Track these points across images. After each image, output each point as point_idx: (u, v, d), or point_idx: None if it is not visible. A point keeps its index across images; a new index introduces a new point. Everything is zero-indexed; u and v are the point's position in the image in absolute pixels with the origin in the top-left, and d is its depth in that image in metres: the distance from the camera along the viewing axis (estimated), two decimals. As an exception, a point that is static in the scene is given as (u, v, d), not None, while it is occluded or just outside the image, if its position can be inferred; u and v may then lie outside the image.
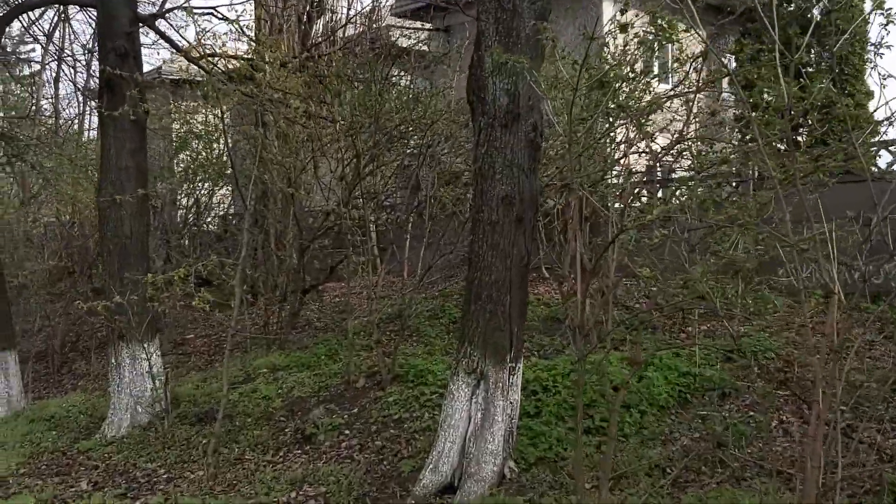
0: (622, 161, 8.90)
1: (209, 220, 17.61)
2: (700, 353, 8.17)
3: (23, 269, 14.53)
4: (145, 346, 8.99)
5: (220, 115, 15.06)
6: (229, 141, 13.29)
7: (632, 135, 8.58)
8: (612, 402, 5.07)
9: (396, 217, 11.91)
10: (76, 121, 21.72)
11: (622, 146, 8.31)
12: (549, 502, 5.47)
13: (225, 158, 15.79)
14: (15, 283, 14.44)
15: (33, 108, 20.79)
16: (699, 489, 5.83)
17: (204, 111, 16.16)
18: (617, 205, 7.20)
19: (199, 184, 16.47)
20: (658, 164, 8.85)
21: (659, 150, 7.24)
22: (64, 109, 21.77)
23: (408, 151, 10.51)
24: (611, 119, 7.20)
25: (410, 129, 9.37)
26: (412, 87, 10.56)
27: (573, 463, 5.45)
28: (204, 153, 15.85)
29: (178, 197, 16.82)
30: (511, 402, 5.89)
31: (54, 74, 21.30)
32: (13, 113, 19.65)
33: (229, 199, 17.95)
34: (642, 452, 6.36)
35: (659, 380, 7.45)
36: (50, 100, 22.30)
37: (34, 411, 11.07)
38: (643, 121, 6.64)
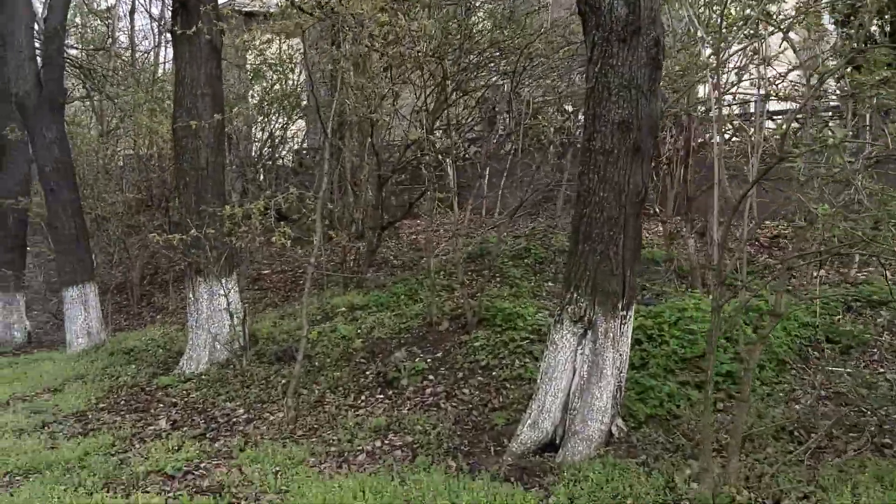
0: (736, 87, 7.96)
1: (283, 154, 17.25)
2: (820, 304, 7.35)
3: (102, 202, 14.47)
4: (223, 281, 8.67)
5: (294, 47, 14.54)
6: (305, 70, 12.72)
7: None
8: (747, 360, 4.38)
9: (480, 150, 11.22)
10: (152, 53, 21.46)
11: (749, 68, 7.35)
12: (665, 467, 4.87)
13: (300, 90, 15.30)
14: (94, 215, 14.46)
15: (109, 41, 20.64)
16: (835, 457, 5.13)
17: (278, 41, 15.62)
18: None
19: (273, 117, 16.06)
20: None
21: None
22: (139, 42, 21.50)
23: (494, 79, 9.74)
24: (753, 30, 6.28)
25: (500, 52, 8.58)
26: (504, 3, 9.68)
27: (700, 426, 4.82)
28: (278, 85, 15.39)
29: (253, 130, 16.49)
30: (621, 355, 5.26)
31: (130, 6, 21.06)
32: (91, 46, 19.55)
33: (304, 132, 17.53)
34: (766, 412, 5.67)
35: (778, 331, 6.68)
36: (126, 32, 22.12)
37: (114, 344, 11.03)
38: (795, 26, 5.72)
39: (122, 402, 7.94)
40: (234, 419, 6.95)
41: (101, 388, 8.56)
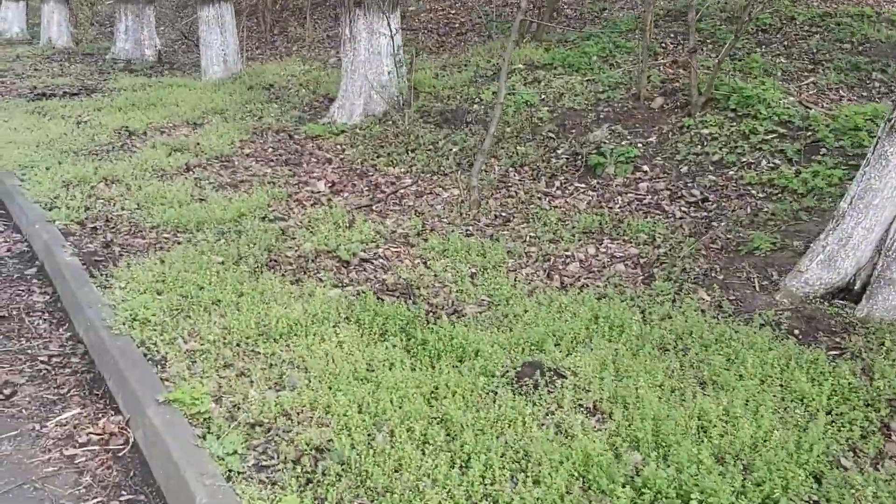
0: None
1: None
2: None
3: None
4: (386, 17, 7.17)
5: None
6: None
7: None
8: None
9: None
10: None
11: None
12: None
13: None
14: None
15: None
16: None
17: None
18: None
19: None
20: None
21: None
22: None
23: None
24: None
25: None
26: None
27: None
28: None
29: None
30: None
31: None
32: None
33: None
34: None
35: None
36: None
37: (250, 76, 9.95)
38: None
39: (270, 150, 6.95)
40: (402, 189, 5.84)
41: (244, 128, 7.57)
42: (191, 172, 6.17)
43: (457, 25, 10.83)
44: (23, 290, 4.23)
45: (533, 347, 3.42)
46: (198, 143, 7.01)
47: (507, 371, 3.20)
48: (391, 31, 7.15)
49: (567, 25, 9.27)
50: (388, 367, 3.18)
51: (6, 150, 6.61)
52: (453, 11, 11.64)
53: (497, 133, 6.54)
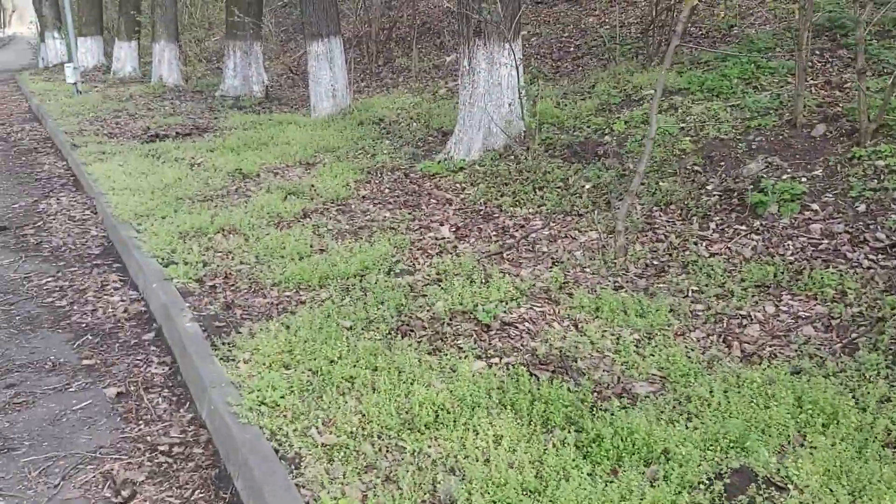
0: None
1: None
2: None
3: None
4: (507, 46, 6.70)
5: None
6: None
7: None
8: None
9: None
10: None
11: None
12: None
13: None
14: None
15: None
16: None
17: None
18: None
19: None
20: None
21: None
22: None
23: None
24: None
25: None
26: None
27: None
28: None
29: None
30: None
31: None
32: None
33: None
34: None
35: None
36: None
37: (360, 111, 9.69)
38: None
39: (386, 191, 6.57)
40: (532, 233, 5.31)
41: (358, 167, 7.25)
42: (308, 219, 5.85)
43: (571, 49, 10.28)
44: (140, 360, 3.92)
45: (734, 446, 2.80)
46: (312, 186, 6.71)
47: (711, 482, 2.60)
48: (514, 62, 6.67)
49: (696, 45, 8.56)
50: (562, 475, 2.63)
51: (122, 197, 6.49)
52: (566, 35, 11.10)
53: (634, 166, 5.93)
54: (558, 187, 5.99)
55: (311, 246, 5.17)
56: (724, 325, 3.92)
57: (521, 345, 3.72)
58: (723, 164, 5.75)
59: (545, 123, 7.12)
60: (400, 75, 12.56)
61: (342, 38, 9.80)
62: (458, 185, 6.51)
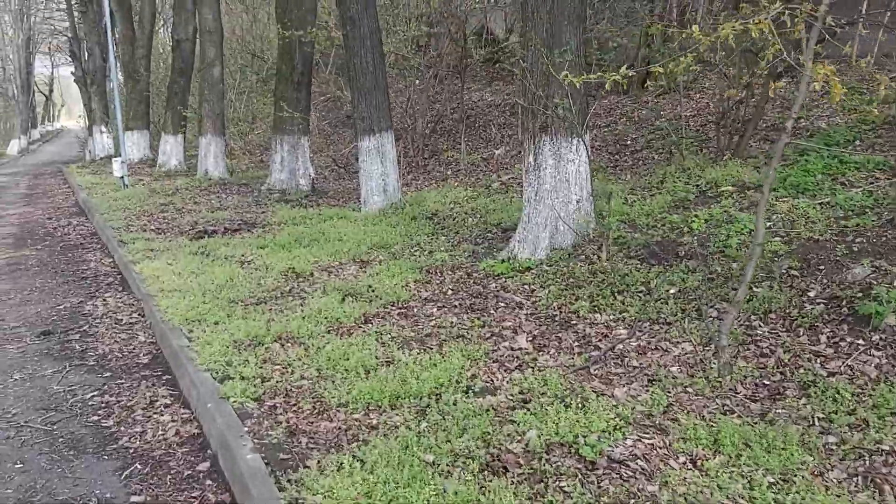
0: None
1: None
2: None
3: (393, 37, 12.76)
4: (576, 141, 6.40)
5: None
6: None
7: None
8: None
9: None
10: None
11: None
12: None
13: None
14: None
15: None
16: None
17: None
18: None
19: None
20: None
21: None
22: None
23: None
24: None
25: None
26: None
27: None
28: None
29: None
30: None
31: None
32: None
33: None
34: None
35: None
36: None
37: (412, 206, 9.43)
38: None
39: (450, 292, 6.16)
40: (619, 344, 4.83)
41: (416, 266, 6.88)
42: (369, 324, 5.43)
43: (628, 142, 10.01)
44: (195, 499, 3.45)
45: None
46: (370, 287, 6.33)
47: None
48: (585, 157, 6.34)
49: (764, 138, 8.21)
50: None
51: (172, 299, 6.16)
52: (619, 127, 10.86)
53: (723, 271, 5.47)
54: (639, 292, 5.53)
55: (376, 357, 4.73)
56: (866, 463, 3.36)
57: (638, 489, 3.18)
58: (822, 268, 5.26)
59: (616, 220, 6.73)
60: (448, 168, 12.39)
61: (392, 132, 9.64)
62: (526, 286, 6.09)
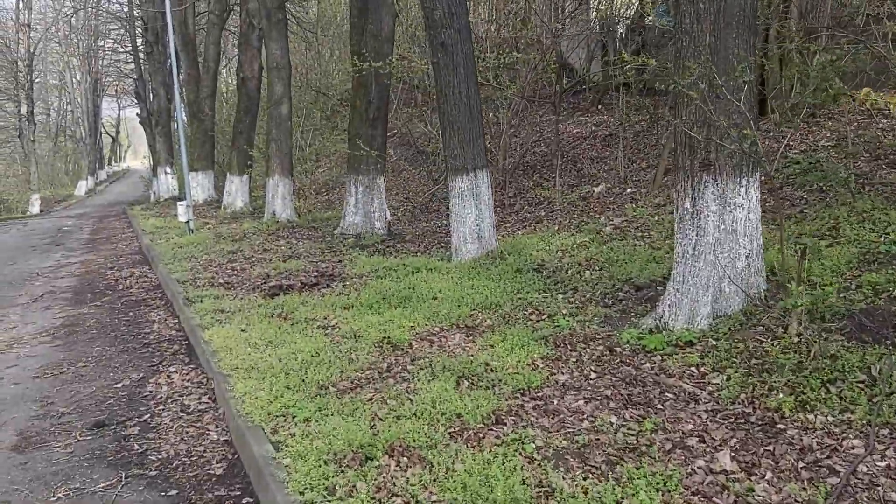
0: None
1: None
2: None
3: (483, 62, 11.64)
4: (746, 182, 5.11)
5: None
6: None
7: None
8: None
9: None
10: None
11: None
12: None
13: None
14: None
15: None
16: None
17: None
18: None
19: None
20: None
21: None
22: None
23: None
24: None
25: None
26: None
27: None
28: None
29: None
30: None
31: None
32: None
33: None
34: None
35: None
36: None
37: (509, 252, 8.22)
38: None
39: (593, 375, 4.88)
40: (858, 463, 3.47)
41: (537, 335, 5.64)
42: (502, 426, 4.19)
43: (762, 178, 8.63)
44: None
45: None
46: (487, 365, 5.11)
47: None
48: (756, 201, 5.04)
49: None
50: None
51: (249, 382, 5.03)
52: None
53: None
54: (859, 381, 4.17)
55: (527, 485, 3.47)
56: None
57: None
58: None
59: (790, 279, 5.37)
60: (538, 208, 11.15)
61: (488, 171, 8.47)
62: (693, 369, 4.77)
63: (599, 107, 15.57)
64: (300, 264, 9.53)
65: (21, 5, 34.57)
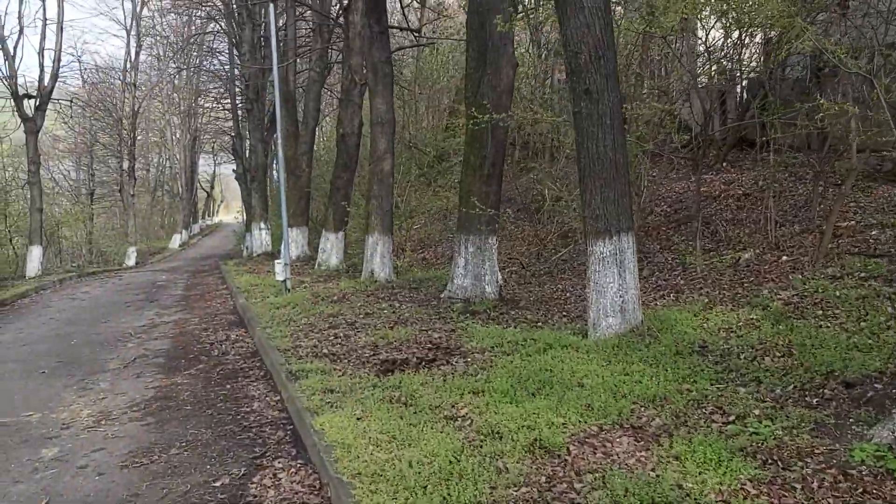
0: None
1: None
2: None
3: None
4: None
5: None
6: None
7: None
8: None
9: None
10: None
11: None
12: None
13: None
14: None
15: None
16: None
17: None
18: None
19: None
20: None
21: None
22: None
23: None
24: None
25: None
26: None
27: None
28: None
29: None
30: None
31: None
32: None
33: None
34: None
35: None
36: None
37: (660, 330, 7.03)
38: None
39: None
40: None
41: (732, 445, 4.42)
42: None
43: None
44: None
45: None
46: (680, 487, 3.94)
47: None
48: None
49: None
50: None
51: (378, 499, 4.00)
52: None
53: None
54: None
55: None
56: None
57: None
58: None
59: None
60: (671, 275, 9.91)
61: (634, 234, 7.35)
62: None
63: (724, 164, 14.29)
64: (409, 332, 8.57)
65: (128, 65, 35.96)
